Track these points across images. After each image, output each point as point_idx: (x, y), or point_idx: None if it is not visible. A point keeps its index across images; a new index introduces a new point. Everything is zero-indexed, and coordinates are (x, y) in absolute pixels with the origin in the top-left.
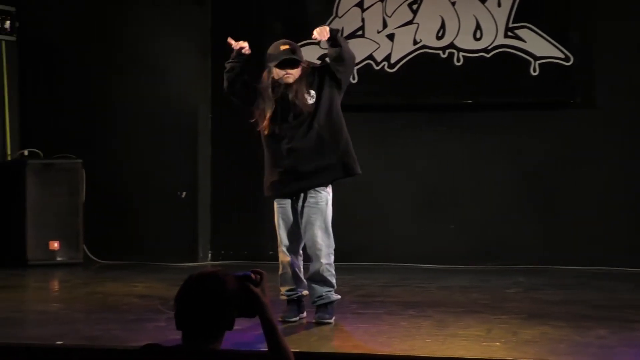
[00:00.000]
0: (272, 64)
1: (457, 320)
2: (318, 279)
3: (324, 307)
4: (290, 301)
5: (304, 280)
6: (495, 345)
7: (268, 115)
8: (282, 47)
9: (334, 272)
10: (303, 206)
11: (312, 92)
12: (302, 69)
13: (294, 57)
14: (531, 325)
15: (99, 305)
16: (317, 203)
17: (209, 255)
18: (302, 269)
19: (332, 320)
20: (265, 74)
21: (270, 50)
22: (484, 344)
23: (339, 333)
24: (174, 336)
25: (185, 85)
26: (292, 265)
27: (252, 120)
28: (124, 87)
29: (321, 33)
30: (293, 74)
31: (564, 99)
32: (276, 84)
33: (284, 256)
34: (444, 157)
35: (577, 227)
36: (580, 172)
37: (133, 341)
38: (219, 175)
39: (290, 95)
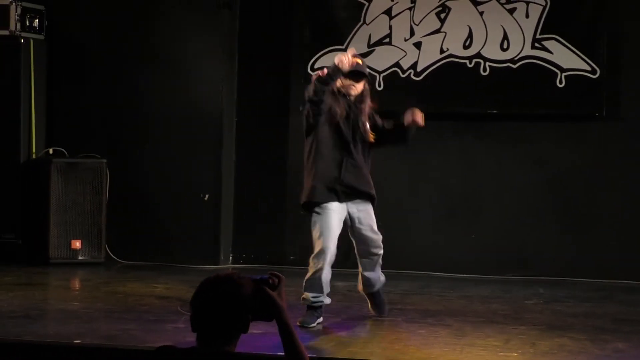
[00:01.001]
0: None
1: (475, 329)
2: None
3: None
4: (310, 307)
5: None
6: (512, 356)
7: (340, 114)
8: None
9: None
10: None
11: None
12: (364, 88)
13: (363, 71)
14: (550, 337)
15: (119, 305)
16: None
17: (230, 258)
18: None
19: None
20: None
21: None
22: (501, 354)
23: (357, 340)
24: (192, 338)
25: (212, 88)
26: (326, 271)
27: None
28: (150, 89)
29: (419, 118)
30: (357, 87)
31: (590, 111)
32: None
33: (320, 262)
34: (468, 166)
35: (601, 240)
36: (605, 185)
37: (151, 342)
38: (243, 179)
39: (355, 114)
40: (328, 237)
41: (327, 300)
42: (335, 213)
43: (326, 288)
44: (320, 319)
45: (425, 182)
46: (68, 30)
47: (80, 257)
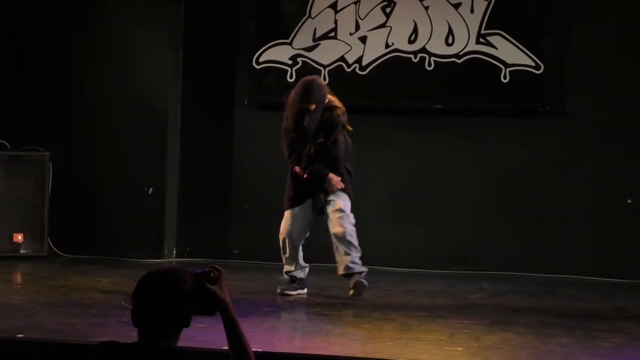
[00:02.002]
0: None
1: (420, 324)
2: None
3: None
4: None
5: None
6: (457, 350)
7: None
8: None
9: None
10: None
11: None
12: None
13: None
14: (494, 332)
15: (63, 299)
16: None
17: (174, 252)
18: None
19: None
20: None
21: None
22: (446, 348)
23: (302, 334)
24: (136, 332)
25: (157, 82)
26: None
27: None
28: (94, 81)
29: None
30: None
31: (534, 106)
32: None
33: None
34: (414, 161)
35: (546, 235)
36: (549, 180)
37: (95, 336)
38: (187, 172)
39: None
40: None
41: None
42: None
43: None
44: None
45: (370, 178)
46: (10, 22)
47: (22, 251)
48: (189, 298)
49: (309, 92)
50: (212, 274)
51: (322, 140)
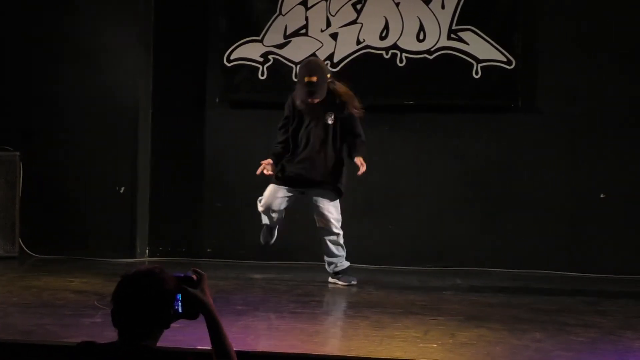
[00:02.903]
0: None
1: (394, 321)
2: None
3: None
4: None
5: None
6: (432, 347)
7: None
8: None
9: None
10: None
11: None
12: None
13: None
14: (468, 328)
15: (34, 299)
16: None
17: (147, 251)
18: None
19: None
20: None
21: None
22: (421, 345)
23: (276, 332)
24: (109, 332)
25: (127, 79)
26: None
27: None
28: (63, 79)
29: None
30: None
31: (506, 102)
32: None
33: None
34: (385, 157)
35: (518, 230)
36: (521, 176)
37: (68, 337)
38: (159, 171)
39: None
40: None
41: None
42: None
43: None
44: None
45: None
46: None
47: None
48: (169, 299)
49: (310, 67)
50: (194, 277)
51: (332, 117)
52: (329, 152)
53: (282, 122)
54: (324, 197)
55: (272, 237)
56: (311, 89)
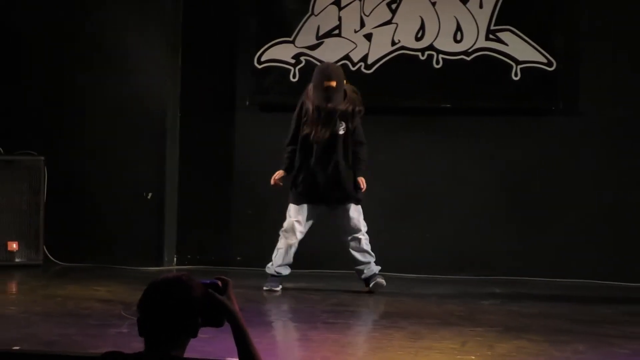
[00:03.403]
0: None
1: (431, 332)
2: None
3: None
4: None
5: None
6: (470, 359)
7: None
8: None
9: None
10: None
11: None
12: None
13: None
14: (507, 339)
15: (59, 309)
16: None
17: (175, 259)
18: None
19: None
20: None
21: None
22: (458, 357)
23: (308, 343)
24: (136, 343)
25: (154, 83)
26: None
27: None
28: (90, 83)
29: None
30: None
31: (546, 104)
32: None
33: None
34: (420, 162)
35: (557, 238)
36: (561, 181)
37: (93, 347)
38: (187, 177)
39: None
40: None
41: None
42: None
43: None
44: None
45: (376, 179)
46: (2, 23)
47: (17, 259)
48: (197, 307)
49: (329, 71)
50: (220, 283)
51: (344, 127)
52: (340, 161)
53: (290, 135)
54: (343, 204)
55: (278, 286)
56: (329, 94)
